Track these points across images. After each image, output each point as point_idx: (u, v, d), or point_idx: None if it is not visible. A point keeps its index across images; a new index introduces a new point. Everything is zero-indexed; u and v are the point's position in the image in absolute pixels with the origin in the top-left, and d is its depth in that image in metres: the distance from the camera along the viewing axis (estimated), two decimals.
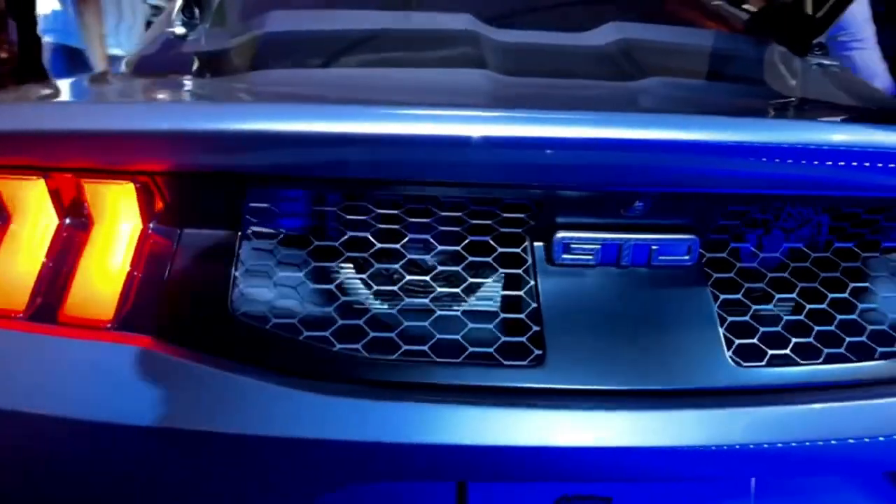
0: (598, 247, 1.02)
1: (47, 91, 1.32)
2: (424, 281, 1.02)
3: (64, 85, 1.41)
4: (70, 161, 0.98)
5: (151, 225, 1.02)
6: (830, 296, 1.08)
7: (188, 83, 1.37)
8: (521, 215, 1.02)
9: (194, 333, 0.97)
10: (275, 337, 0.98)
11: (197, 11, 1.66)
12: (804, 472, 1.03)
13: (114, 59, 4.10)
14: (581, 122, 0.94)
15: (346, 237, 1.02)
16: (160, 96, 1.25)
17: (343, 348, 0.98)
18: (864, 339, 1.05)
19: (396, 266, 1.03)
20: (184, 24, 1.64)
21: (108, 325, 0.98)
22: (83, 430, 0.92)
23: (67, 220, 1.01)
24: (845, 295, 1.08)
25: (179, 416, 0.92)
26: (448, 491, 1.01)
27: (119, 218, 1.02)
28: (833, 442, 0.98)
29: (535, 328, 0.99)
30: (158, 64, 1.49)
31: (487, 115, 0.96)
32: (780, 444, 0.97)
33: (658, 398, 0.97)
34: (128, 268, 1.00)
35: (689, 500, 1.03)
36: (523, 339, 0.99)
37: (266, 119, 0.93)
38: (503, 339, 0.99)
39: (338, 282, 1.02)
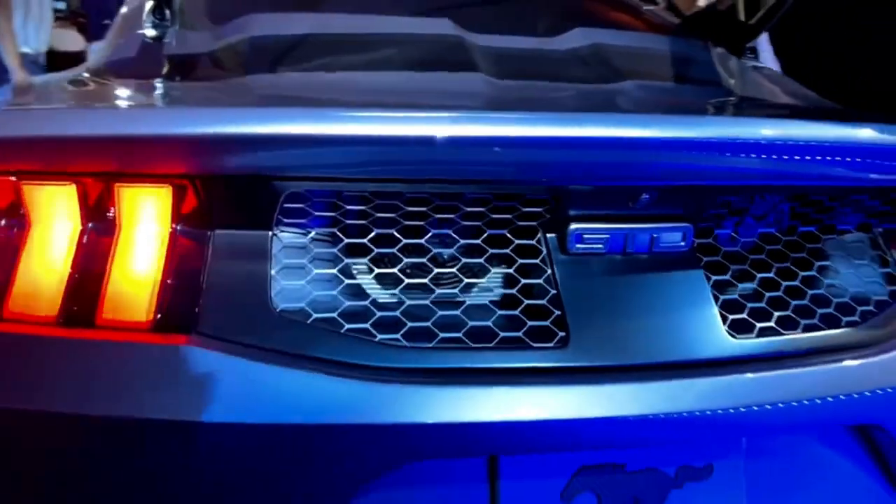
0: (608, 236, 1.12)
1: (51, 94, 1.30)
2: (453, 273, 1.09)
3: (62, 88, 1.38)
4: (103, 166, 0.99)
5: (185, 227, 1.04)
6: (801, 273, 1.22)
7: (190, 87, 1.38)
8: (539, 209, 1.11)
9: (238, 331, 1.00)
10: (317, 330, 1.02)
11: (168, 13, 1.65)
12: (787, 430, 1.17)
13: (24, 57, 3.92)
14: (593, 123, 1.04)
15: (374, 234, 1.08)
16: (181, 100, 1.26)
17: (383, 338, 1.03)
18: (831, 310, 1.21)
19: (424, 259, 1.09)
20: (154, 27, 1.63)
21: (148, 327, 1.00)
22: (139, 430, 0.94)
23: (101, 224, 1.02)
24: (813, 272, 1.23)
25: (237, 411, 0.95)
26: (481, 466, 1.08)
27: (153, 220, 1.03)
28: (813, 401, 1.12)
29: (557, 312, 1.08)
30: (143, 67, 1.48)
31: (506, 117, 1.05)
32: (768, 406, 1.10)
33: (669, 370, 1.08)
34: (163, 269, 1.02)
35: (690, 460, 1.15)
36: (548, 322, 1.08)
37: (301, 121, 0.98)
38: (530, 323, 1.07)
39: (371, 276, 1.07)
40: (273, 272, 1.05)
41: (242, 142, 0.97)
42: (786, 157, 1.08)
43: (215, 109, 1.04)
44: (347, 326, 1.04)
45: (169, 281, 1.02)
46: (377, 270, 1.07)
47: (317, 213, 1.07)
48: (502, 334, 1.06)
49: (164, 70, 1.48)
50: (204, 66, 1.50)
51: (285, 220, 1.06)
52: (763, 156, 1.05)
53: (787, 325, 1.17)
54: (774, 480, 1.21)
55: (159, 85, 1.39)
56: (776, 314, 1.17)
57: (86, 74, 1.54)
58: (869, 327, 1.21)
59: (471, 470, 1.09)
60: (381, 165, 1.02)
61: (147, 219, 1.04)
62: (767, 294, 1.19)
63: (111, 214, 1.03)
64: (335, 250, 1.07)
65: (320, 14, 1.63)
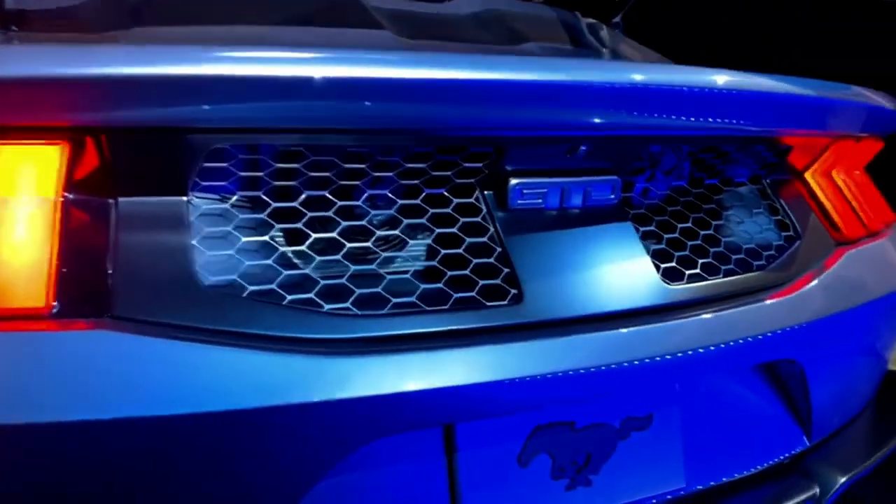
0: (545, 191, 1.10)
1: None
2: (395, 235, 1.01)
3: None
4: None
5: (82, 194, 0.87)
6: (713, 223, 1.27)
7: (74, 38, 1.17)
8: (478, 164, 1.05)
9: (160, 311, 0.86)
10: (255, 304, 0.90)
11: None
12: (715, 371, 1.22)
13: None
14: (529, 68, 1.00)
15: (305, 196, 0.97)
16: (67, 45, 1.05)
17: (332, 308, 0.93)
18: (742, 256, 1.27)
19: (364, 222, 1.00)
20: None
21: (48, 314, 0.83)
22: (52, 435, 0.77)
23: None
24: (721, 222, 1.29)
25: (172, 401, 0.81)
26: (437, 439, 1.02)
27: (38, 187, 0.85)
28: (739, 341, 1.17)
29: (506, 270, 1.04)
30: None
31: (447, 59, 0.97)
32: (700, 350, 1.13)
33: (616, 319, 1.07)
34: (57, 244, 0.85)
35: (633, 411, 1.16)
36: (499, 280, 1.03)
37: (223, 62, 0.85)
38: (481, 282, 1.02)
39: (307, 242, 0.96)
40: (194, 242, 0.91)
41: (157, 85, 0.82)
42: (696, 104, 1.11)
43: (116, 48, 0.88)
44: (290, 298, 0.92)
45: (67, 258, 0.85)
46: (313, 236, 0.97)
47: (240, 174, 0.95)
48: (456, 295, 1.00)
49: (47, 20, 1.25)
50: (85, 17, 1.28)
51: (204, 183, 0.93)
52: (678, 103, 1.07)
53: (709, 271, 1.21)
54: (704, 422, 1.25)
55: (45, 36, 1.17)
56: (700, 261, 1.21)
57: None
58: (776, 269, 1.29)
59: (427, 445, 1.02)
60: (311, 112, 0.91)
61: (30, 186, 0.85)
62: (689, 243, 1.23)
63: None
64: (263, 216, 0.95)
65: None
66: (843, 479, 1.35)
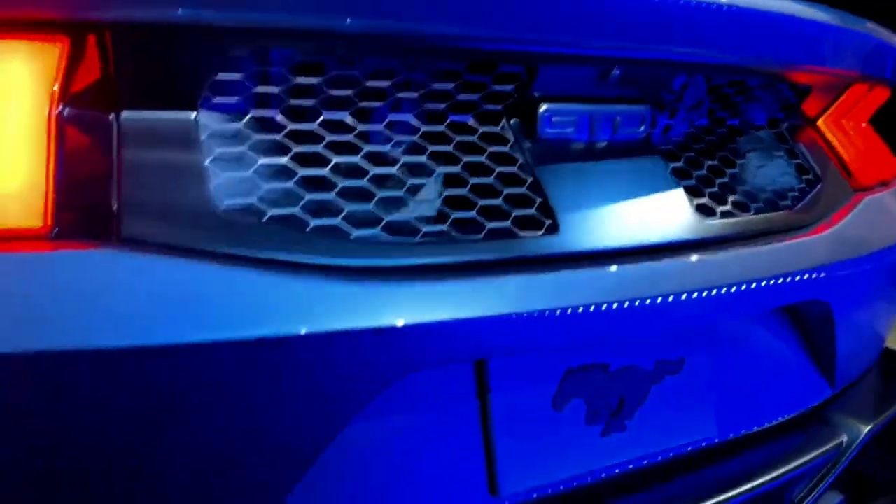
0: (575, 118, 1.03)
1: None
2: (420, 162, 0.94)
3: None
4: None
5: (79, 106, 0.77)
6: (738, 161, 1.23)
7: None
8: (508, 87, 0.98)
9: (173, 235, 0.77)
10: (277, 229, 0.82)
11: None
12: (748, 311, 1.17)
13: None
14: None
15: (326, 117, 0.89)
16: None
17: (359, 235, 0.86)
18: (770, 196, 1.23)
19: (388, 147, 0.93)
20: None
21: (48, 234, 0.73)
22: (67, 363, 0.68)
23: None
24: (746, 161, 1.25)
25: (190, 327, 0.73)
26: (469, 380, 0.95)
27: (35, 92, 0.75)
28: (771, 280, 1.12)
29: (539, 199, 0.97)
30: None
31: None
32: (733, 290, 1.08)
33: (653, 253, 1.02)
34: (54, 160, 0.75)
35: (665, 354, 1.10)
36: (533, 210, 0.96)
37: None
38: (515, 212, 0.95)
39: (329, 166, 0.88)
40: (207, 163, 0.82)
41: None
42: (727, 25, 1.06)
43: None
44: (314, 224, 0.84)
45: (66, 176, 0.75)
46: (335, 159, 0.88)
47: (256, 89, 0.86)
48: (489, 225, 0.93)
49: None
50: None
51: (216, 99, 0.84)
52: (713, 23, 1.02)
53: (739, 209, 1.16)
54: (733, 369, 1.20)
55: None
56: (730, 198, 1.16)
57: None
58: (801, 211, 1.25)
59: (460, 386, 0.95)
60: (338, 10, 0.82)
61: (23, 90, 0.75)
62: (718, 180, 1.18)
63: None
64: (281, 136, 0.87)
65: None
66: (867, 429, 1.32)
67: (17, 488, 0.71)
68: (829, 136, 1.44)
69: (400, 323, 0.81)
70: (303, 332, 0.77)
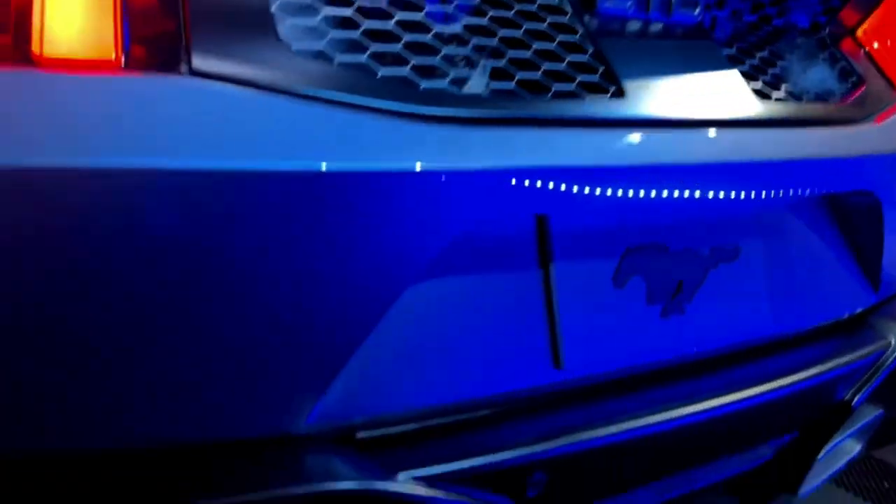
0: None
1: None
2: (482, 24, 0.91)
3: None
4: None
5: None
6: (787, 56, 1.21)
7: None
8: None
9: (245, 70, 0.75)
10: (345, 73, 0.80)
11: None
12: (802, 187, 1.15)
13: None
14: None
15: None
16: None
17: (427, 87, 0.83)
18: (818, 89, 1.21)
19: (451, 8, 0.90)
20: None
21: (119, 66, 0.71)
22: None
23: None
24: (793, 57, 1.23)
25: (275, 155, 0.71)
26: (530, 236, 0.93)
27: None
28: (820, 167, 1.11)
29: (602, 67, 0.95)
30: None
31: None
32: (792, 165, 1.07)
33: (714, 126, 1.00)
34: None
35: (721, 240, 1.09)
36: (597, 76, 0.94)
37: None
38: (580, 77, 0.93)
39: (394, 20, 0.86)
40: (273, 9, 0.79)
41: None
42: None
43: None
44: (382, 72, 0.82)
45: (133, 8, 0.73)
46: (398, 15, 0.86)
47: None
48: (555, 87, 0.91)
49: None
50: None
51: None
52: None
53: (792, 97, 1.15)
54: (783, 264, 1.19)
55: None
56: (783, 86, 1.14)
57: None
58: (851, 106, 1.23)
59: (522, 251, 0.93)
60: None
61: None
62: (770, 70, 1.16)
63: None
64: None
65: None
66: None
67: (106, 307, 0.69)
68: (868, 44, 1.43)
69: (468, 166, 0.80)
70: (363, 168, 0.75)
